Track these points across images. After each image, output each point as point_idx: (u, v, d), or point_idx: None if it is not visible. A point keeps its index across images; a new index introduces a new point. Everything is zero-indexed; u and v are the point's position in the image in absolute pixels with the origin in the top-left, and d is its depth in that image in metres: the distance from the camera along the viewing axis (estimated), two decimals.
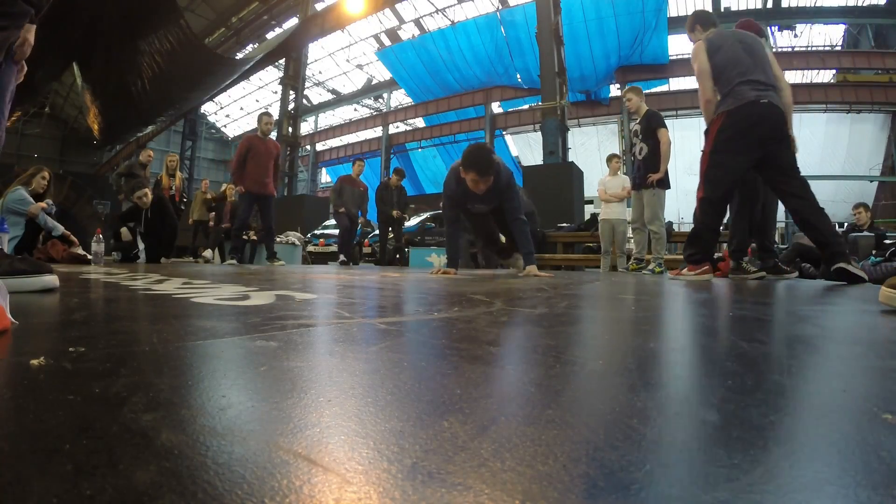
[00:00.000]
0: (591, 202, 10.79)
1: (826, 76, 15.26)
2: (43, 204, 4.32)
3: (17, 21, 1.04)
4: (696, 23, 3.03)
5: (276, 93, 20.26)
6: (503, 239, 3.71)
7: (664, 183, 4.38)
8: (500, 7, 15.73)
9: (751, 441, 0.34)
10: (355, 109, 23.69)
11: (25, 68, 1.64)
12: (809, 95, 14.60)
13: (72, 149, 19.50)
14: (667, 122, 4.56)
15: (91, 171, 18.35)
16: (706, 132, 2.86)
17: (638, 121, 4.57)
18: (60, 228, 4.37)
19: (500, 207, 3.26)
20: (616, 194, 5.35)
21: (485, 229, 3.66)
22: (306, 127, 22.70)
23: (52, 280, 1.39)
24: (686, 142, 13.00)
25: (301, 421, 0.36)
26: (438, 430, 0.34)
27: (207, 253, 6.72)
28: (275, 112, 20.32)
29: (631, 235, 5.06)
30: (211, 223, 8.05)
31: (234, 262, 5.48)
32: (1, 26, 1.01)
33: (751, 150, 2.68)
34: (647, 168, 4.39)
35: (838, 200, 14.30)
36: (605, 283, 2.64)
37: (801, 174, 2.75)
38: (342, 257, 6.83)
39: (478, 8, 16.49)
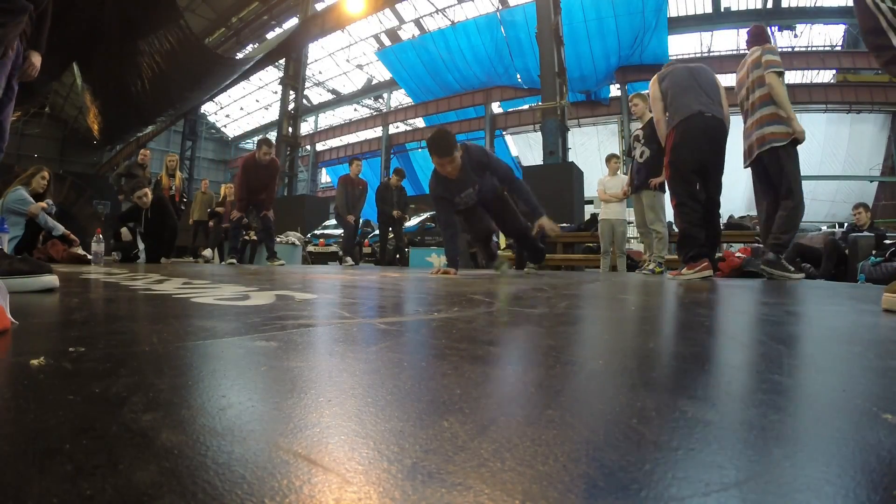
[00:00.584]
0: (591, 202, 10.78)
1: (826, 76, 15.25)
2: (43, 204, 4.32)
3: (17, 17, 1.03)
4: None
5: (276, 93, 20.27)
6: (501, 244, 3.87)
7: (662, 186, 4.45)
8: (500, 7, 15.72)
9: (751, 441, 0.34)
10: (355, 109, 23.70)
11: (38, 66, 1.64)
12: (809, 95, 14.60)
13: (72, 149, 19.47)
14: None
15: (91, 171, 18.30)
16: (664, 148, 3.26)
17: (641, 126, 4.64)
18: (61, 228, 4.37)
19: (491, 189, 3.36)
20: (616, 194, 5.36)
21: (479, 228, 3.65)
22: (306, 127, 22.71)
23: (52, 280, 1.39)
24: None
25: (301, 421, 0.36)
26: (438, 430, 0.34)
27: (207, 252, 6.72)
28: (274, 112, 20.38)
29: (634, 236, 5.08)
30: (211, 223, 8.05)
31: (233, 262, 5.50)
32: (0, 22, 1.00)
33: (700, 153, 3.07)
34: (648, 171, 4.47)
35: (838, 200, 14.30)
36: (604, 283, 2.64)
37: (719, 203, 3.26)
38: (349, 260, 6.70)
39: (478, 8, 16.49)
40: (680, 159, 3.08)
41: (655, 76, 3.38)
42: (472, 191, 3.26)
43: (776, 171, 3.18)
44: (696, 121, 3.04)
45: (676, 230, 3.21)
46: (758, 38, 3.56)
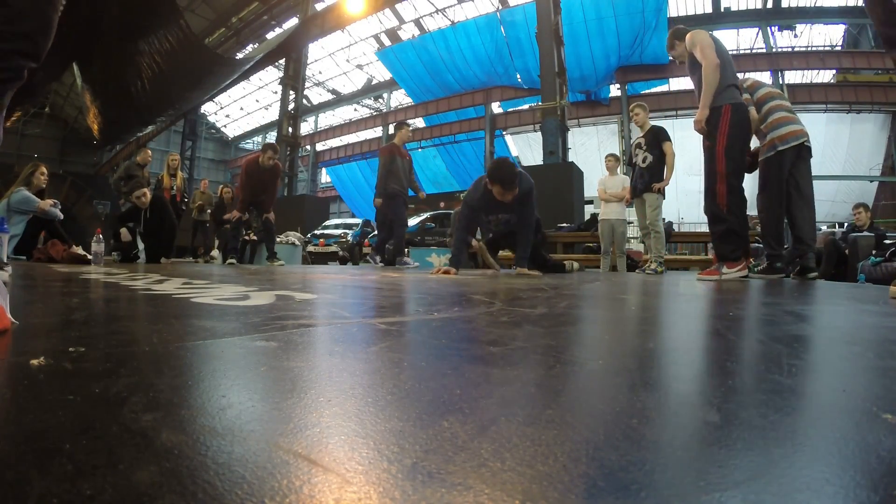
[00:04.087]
0: (591, 202, 10.78)
1: (826, 76, 15.24)
2: (50, 200, 4.42)
3: (17, 74, 1.05)
4: (675, 39, 3.26)
5: (276, 93, 20.27)
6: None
7: (662, 190, 4.64)
8: (500, 7, 15.72)
9: (751, 441, 0.33)
10: (355, 109, 23.71)
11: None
12: (809, 95, 14.59)
13: (72, 149, 19.47)
14: (667, 122, 4.70)
15: (91, 171, 18.31)
16: (713, 126, 2.93)
17: (642, 134, 4.77)
18: (60, 216, 4.48)
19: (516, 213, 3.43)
20: (616, 194, 5.37)
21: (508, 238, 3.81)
22: (306, 127, 22.70)
23: None
24: (686, 142, 13.00)
25: (301, 421, 0.36)
26: (438, 430, 0.34)
27: (214, 252, 6.77)
28: (274, 112, 20.35)
29: (635, 236, 5.12)
30: (208, 224, 8.04)
31: (233, 261, 5.52)
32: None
33: (747, 144, 3.01)
34: (651, 175, 4.60)
35: (838, 200, 14.30)
36: (605, 283, 2.64)
37: None
38: (376, 259, 5.87)
39: (478, 8, 16.50)
40: (737, 149, 2.94)
41: (703, 32, 3.13)
42: (508, 217, 3.40)
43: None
44: (746, 110, 2.98)
45: (719, 220, 2.94)
46: None
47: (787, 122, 3.23)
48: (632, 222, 7.20)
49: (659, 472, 0.28)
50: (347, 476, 0.27)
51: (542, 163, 9.89)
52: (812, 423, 0.39)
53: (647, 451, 0.31)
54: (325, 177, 24.77)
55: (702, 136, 3.06)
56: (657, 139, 4.62)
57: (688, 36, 3.10)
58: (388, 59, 18.70)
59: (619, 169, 5.60)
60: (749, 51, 15.49)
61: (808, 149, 3.25)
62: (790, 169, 3.19)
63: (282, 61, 15.42)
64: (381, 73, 20.85)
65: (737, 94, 2.96)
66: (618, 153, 7.28)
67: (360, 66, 21.16)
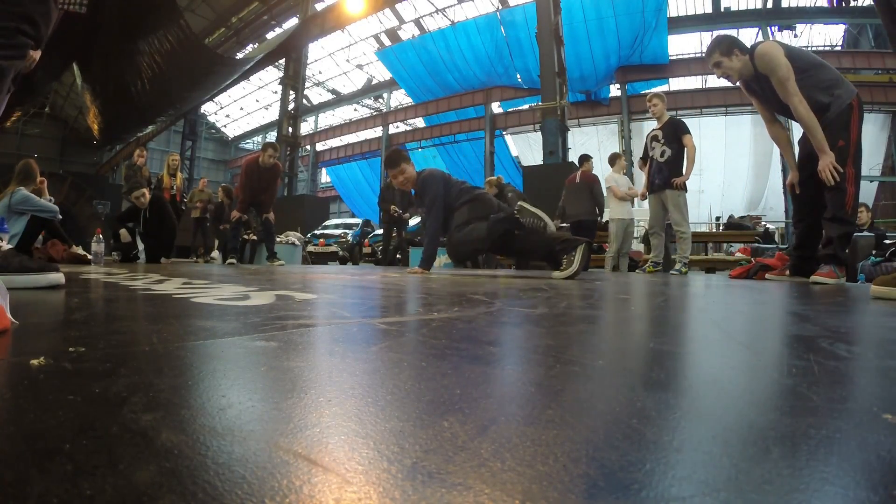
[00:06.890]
0: None
1: None
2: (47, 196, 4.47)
3: (20, 52, 1.07)
4: (722, 55, 2.95)
5: (276, 93, 20.30)
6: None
7: (685, 185, 4.42)
8: (500, 7, 15.73)
9: (751, 441, 0.33)
10: (355, 109, 23.73)
11: (36, 59, 1.66)
12: None
13: (72, 149, 19.46)
14: None
15: (91, 171, 18.30)
16: (844, 124, 2.69)
17: (660, 126, 4.52)
18: (56, 209, 4.48)
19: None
20: (626, 192, 5.29)
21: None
22: (306, 127, 22.72)
23: (58, 278, 1.56)
24: None
25: (301, 421, 0.36)
26: (438, 430, 0.34)
27: (214, 253, 6.79)
28: (274, 112, 20.37)
29: (636, 237, 5.05)
30: (209, 222, 8.04)
31: (233, 262, 5.53)
32: (4, 56, 1.03)
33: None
34: (671, 171, 4.37)
35: None
36: (605, 282, 2.64)
37: None
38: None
39: (478, 8, 16.52)
40: (860, 146, 2.70)
41: (776, 44, 2.90)
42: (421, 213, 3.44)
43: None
44: (862, 103, 2.70)
45: (843, 222, 2.70)
46: None
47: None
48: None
49: (659, 472, 0.28)
50: (347, 476, 0.27)
51: (542, 163, 9.89)
52: (811, 423, 0.39)
53: (647, 451, 0.31)
54: (325, 177, 24.81)
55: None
56: (676, 132, 4.36)
57: (757, 55, 2.81)
58: (388, 59, 18.72)
59: (624, 169, 5.52)
60: None
61: None
62: None
63: (282, 61, 15.43)
64: (381, 73, 20.88)
65: (852, 86, 2.71)
66: (620, 153, 7.26)
67: (360, 66, 21.19)
